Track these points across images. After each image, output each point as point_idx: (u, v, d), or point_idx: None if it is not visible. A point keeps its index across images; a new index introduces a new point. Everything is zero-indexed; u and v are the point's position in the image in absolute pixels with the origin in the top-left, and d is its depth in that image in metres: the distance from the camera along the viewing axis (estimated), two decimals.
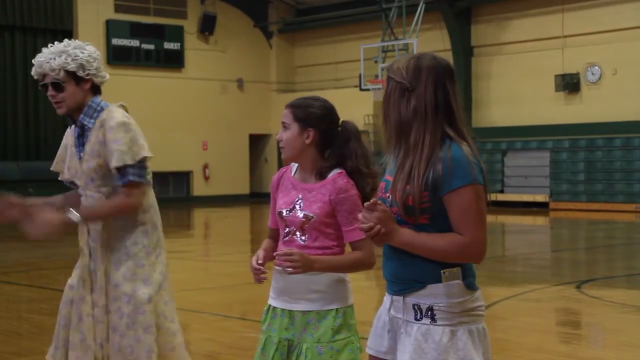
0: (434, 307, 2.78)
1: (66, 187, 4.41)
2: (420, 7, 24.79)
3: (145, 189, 4.10)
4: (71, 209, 3.95)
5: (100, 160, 4.02)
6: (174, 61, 28.89)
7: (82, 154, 4.09)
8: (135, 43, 27.65)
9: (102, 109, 4.07)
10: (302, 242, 3.28)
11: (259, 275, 3.32)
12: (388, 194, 2.83)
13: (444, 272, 2.77)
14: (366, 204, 2.73)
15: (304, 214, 3.28)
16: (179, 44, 28.98)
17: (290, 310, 3.33)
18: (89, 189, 4.08)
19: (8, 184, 25.43)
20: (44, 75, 4.04)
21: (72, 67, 4.01)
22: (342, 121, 3.40)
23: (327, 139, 3.35)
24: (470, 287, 2.80)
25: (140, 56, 27.85)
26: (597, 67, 24.39)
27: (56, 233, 3.91)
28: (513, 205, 25.10)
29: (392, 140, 2.83)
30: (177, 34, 28.96)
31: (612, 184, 23.91)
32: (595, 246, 15.81)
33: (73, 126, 4.17)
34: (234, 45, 30.58)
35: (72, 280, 4.16)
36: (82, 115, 4.06)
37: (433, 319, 2.78)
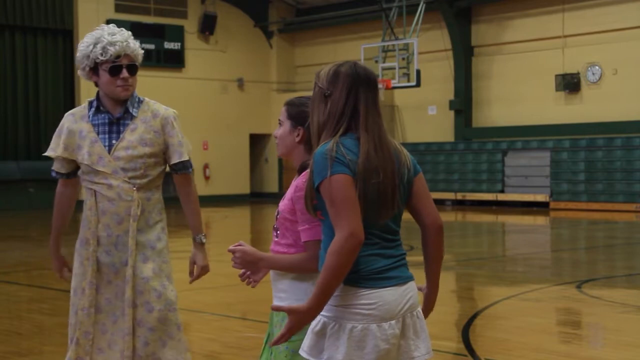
0: None
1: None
2: (421, 7, 24.78)
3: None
4: (198, 236, 4.25)
5: (153, 150, 4.08)
6: (175, 61, 28.90)
7: (113, 142, 4.08)
8: None
9: (141, 101, 4.17)
10: (276, 239, 3.30)
11: (247, 281, 3.39)
12: None
13: None
14: (229, 249, 3.02)
15: (277, 211, 3.31)
16: (179, 44, 28.98)
17: None
18: (116, 178, 4.04)
19: (8, 183, 25.47)
20: (120, 57, 4.04)
21: (142, 53, 4.16)
22: None
23: None
24: (349, 282, 2.86)
25: None
26: (597, 67, 24.39)
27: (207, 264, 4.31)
28: (513, 205, 25.10)
29: (314, 143, 2.99)
30: (178, 33, 28.97)
31: (613, 184, 23.90)
32: (595, 246, 15.81)
33: (91, 112, 4.14)
34: (234, 45, 30.58)
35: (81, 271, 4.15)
36: (127, 103, 4.11)
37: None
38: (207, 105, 29.60)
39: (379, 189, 2.87)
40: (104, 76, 4.04)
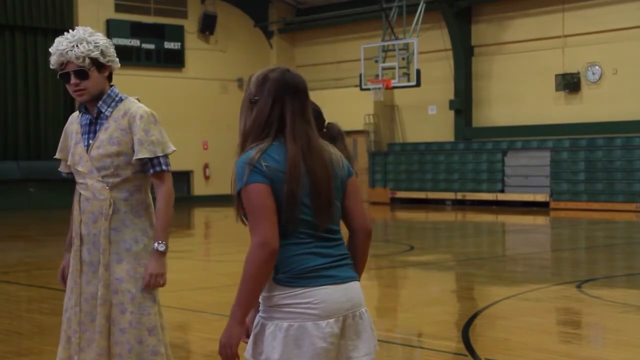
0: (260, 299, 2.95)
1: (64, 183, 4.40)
2: (421, 7, 24.79)
3: (147, 185, 4.20)
4: (156, 242, 4.07)
5: (120, 148, 4.05)
6: (175, 61, 28.90)
7: (90, 141, 4.08)
8: (135, 43, 27.64)
9: (121, 100, 4.13)
10: None
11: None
12: None
13: None
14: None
15: None
16: (179, 44, 28.98)
17: None
18: (92, 177, 4.06)
19: (8, 183, 25.47)
20: (65, 64, 4.02)
21: (95, 54, 4.03)
22: (327, 123, 3.45)
23: None
24: (282, 282, 2.87)
25: (141, 56, 27.84)
26: (597, 67, 24.40)
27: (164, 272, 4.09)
28: (513, 205, 25.10)
29: (239, 148, 2.96)
30: (178, 33, 28.97)
31: (613, 184, 23.91)
32: (595, 246, 15.81)
33: (80, 113, 4.18)
34: (235, 45, 30.59)
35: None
36: (100, 103, 4.08)
37: (259, 310, 2.98)
38: (207, 105, 29.60)
39: (312, 191, 2.87)
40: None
